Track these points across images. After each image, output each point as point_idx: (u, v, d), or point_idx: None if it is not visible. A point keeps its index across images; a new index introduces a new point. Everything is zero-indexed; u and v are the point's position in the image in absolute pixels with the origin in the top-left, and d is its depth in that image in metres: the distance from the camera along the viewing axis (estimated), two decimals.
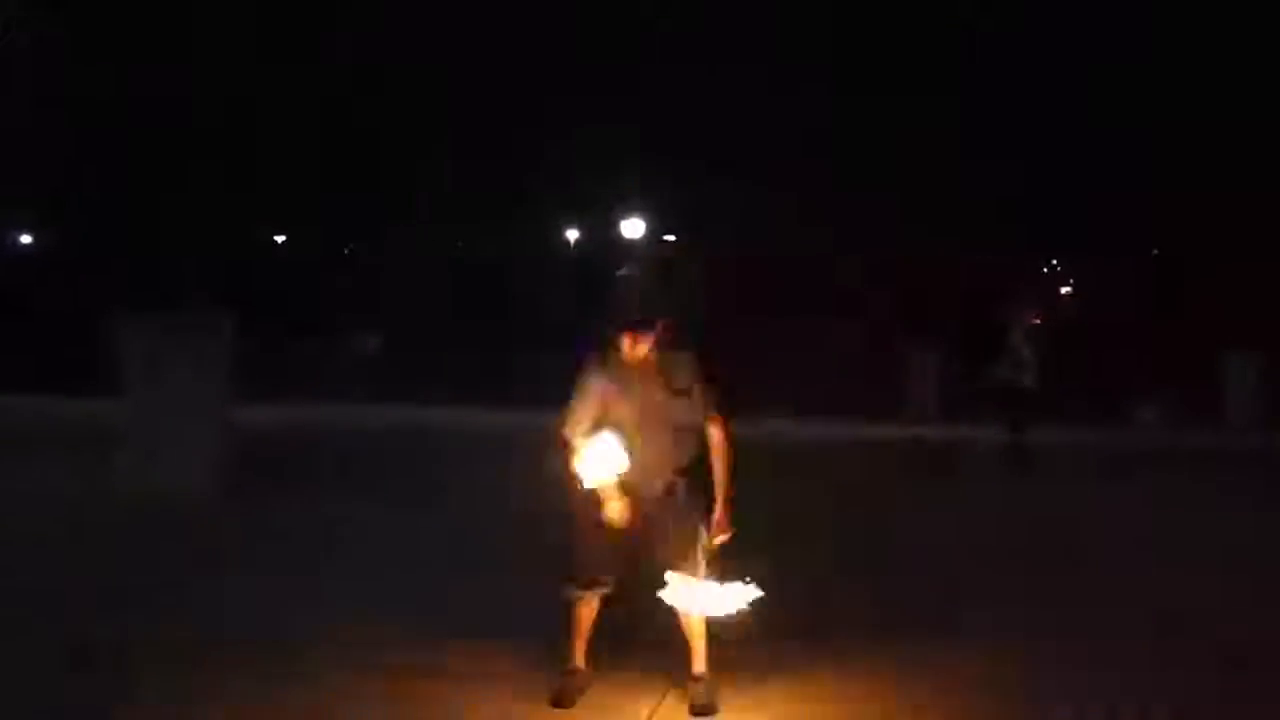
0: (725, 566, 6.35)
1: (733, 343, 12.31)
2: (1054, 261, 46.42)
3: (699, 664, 6.55)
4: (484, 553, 10.90)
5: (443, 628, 7.97)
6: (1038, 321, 19.73)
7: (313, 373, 34.77)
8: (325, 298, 42.08)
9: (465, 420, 25.97)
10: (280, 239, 47.46)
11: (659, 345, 6.52)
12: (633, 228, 43.12)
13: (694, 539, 6.41)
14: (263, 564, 10.24)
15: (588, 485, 6.41)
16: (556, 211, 45.94)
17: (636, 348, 6.48)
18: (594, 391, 6.55)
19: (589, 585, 6.54)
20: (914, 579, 10.11)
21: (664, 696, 6.61)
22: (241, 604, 8.67)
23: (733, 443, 6.55)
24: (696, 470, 6.53)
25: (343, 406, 28.42)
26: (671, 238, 44.70)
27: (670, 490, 6.49)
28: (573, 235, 48.43)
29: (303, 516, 12.69)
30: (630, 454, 6.38)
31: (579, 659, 6.66)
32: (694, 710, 6.42)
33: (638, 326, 6.49)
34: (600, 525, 6.42)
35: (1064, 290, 46.58)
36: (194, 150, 36.52)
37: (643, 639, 7.11)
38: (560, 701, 6.49)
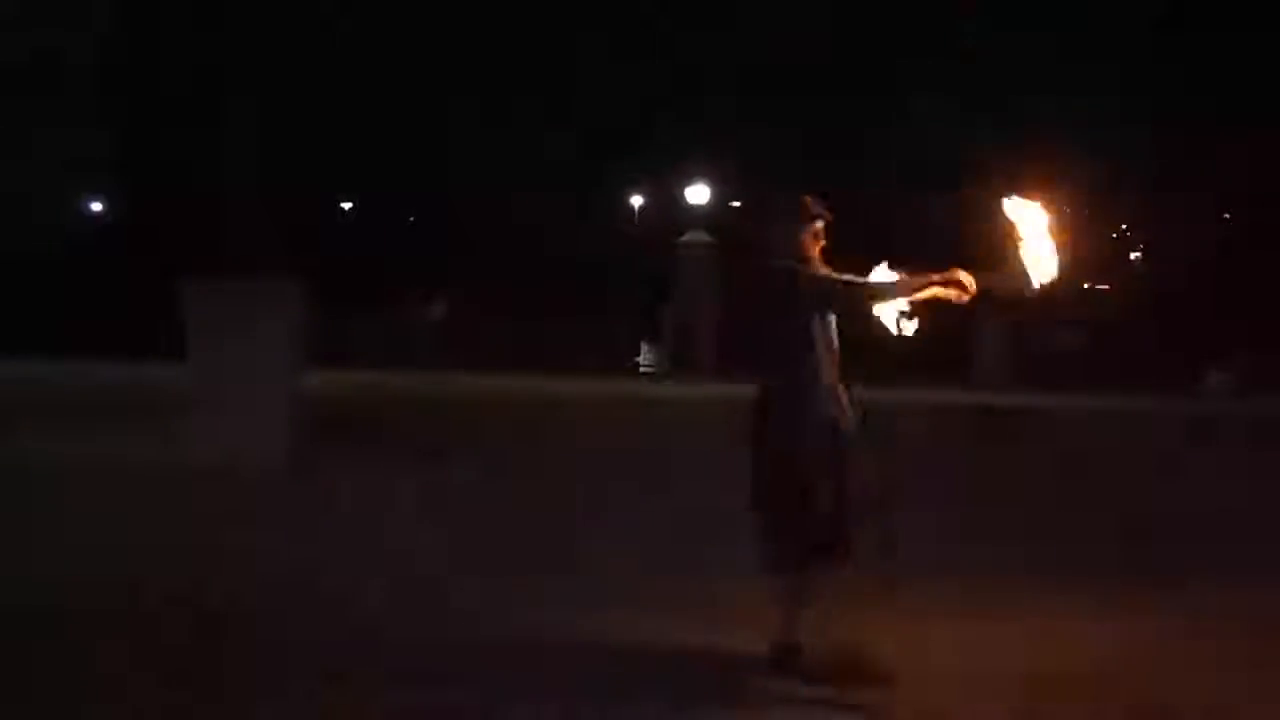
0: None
1: None
2: (1124, 227, 45.90)
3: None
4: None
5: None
6: (1106, 289, 19.60)
7: (379, 340, 35.00)
8: (391, 265, 42.31)
9: (529, 387, 26.07)
10: (347, 206, 47.75)
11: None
12: (698, 194, 43.01)
13: None
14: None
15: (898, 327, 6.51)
16: (622, 178, 45.96)
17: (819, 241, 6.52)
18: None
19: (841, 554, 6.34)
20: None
21: None
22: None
23: None
24: None
25: (409, 373, 28.55)
26: (737, 204, 44.58)
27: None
28: (637, 202, 48.42)
29: (374, 482, 12.80)
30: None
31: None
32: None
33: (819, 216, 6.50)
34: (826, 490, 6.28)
35: (1134, 256, 46.10)
36: (264, 117, 36.69)
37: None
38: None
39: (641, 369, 37.39)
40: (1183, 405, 24.80)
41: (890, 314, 6.64)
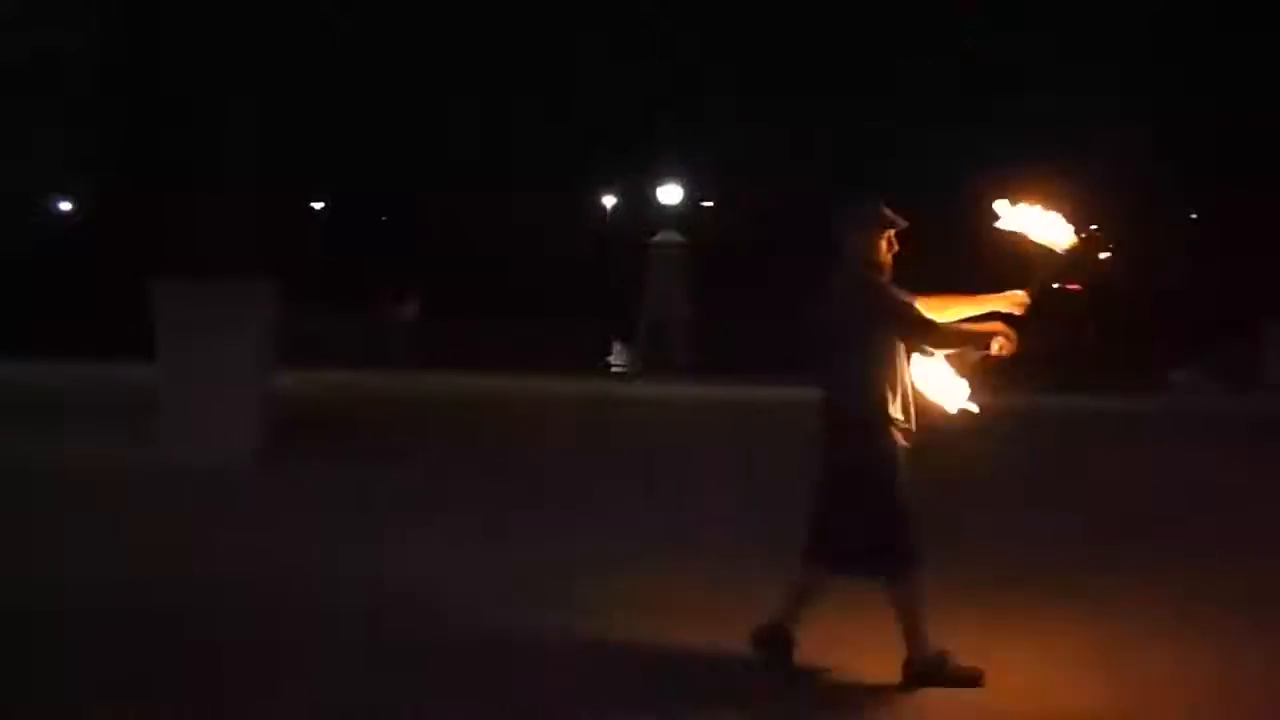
0: None
1: None
2: (1094, 226, 46.01)
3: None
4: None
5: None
6: (1076, 289, 19.68)
7: (352, 339, 34.90)
8: (365, 265, 42.23)
9: (499, 387, 26.05)
10: (319, 206, 47.62)
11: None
12: (670, 194, 43.01)
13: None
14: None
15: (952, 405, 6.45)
16: (594, 178, 45.96)
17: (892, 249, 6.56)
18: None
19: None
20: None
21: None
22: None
23: None
24: None
25: (380, 373, 28.49)
26: (709, 203, 44.65)
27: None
28: (609, 202, 48.42)
29: (342, 483, 12.79)
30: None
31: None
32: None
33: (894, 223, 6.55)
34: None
35: (1103, 256, 46.27)
36: (234, 117, 36.58)
37: None
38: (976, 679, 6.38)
39: (613, 369, 37.36)
40: (1150, 404, 24.91)
41: (948, 393, 6.55)
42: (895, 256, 6.55)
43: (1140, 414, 22.89)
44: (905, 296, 6.42)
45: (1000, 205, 6.64)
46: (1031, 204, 6.63)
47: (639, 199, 44.87)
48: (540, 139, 40.92)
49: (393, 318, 39.39)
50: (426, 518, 11.07)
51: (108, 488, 12.18)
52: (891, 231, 6.52)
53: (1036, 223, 6.59)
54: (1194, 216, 40.33)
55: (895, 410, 6.37)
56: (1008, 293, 6.56)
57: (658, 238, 38.49)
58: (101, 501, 11.50)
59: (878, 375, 6.35)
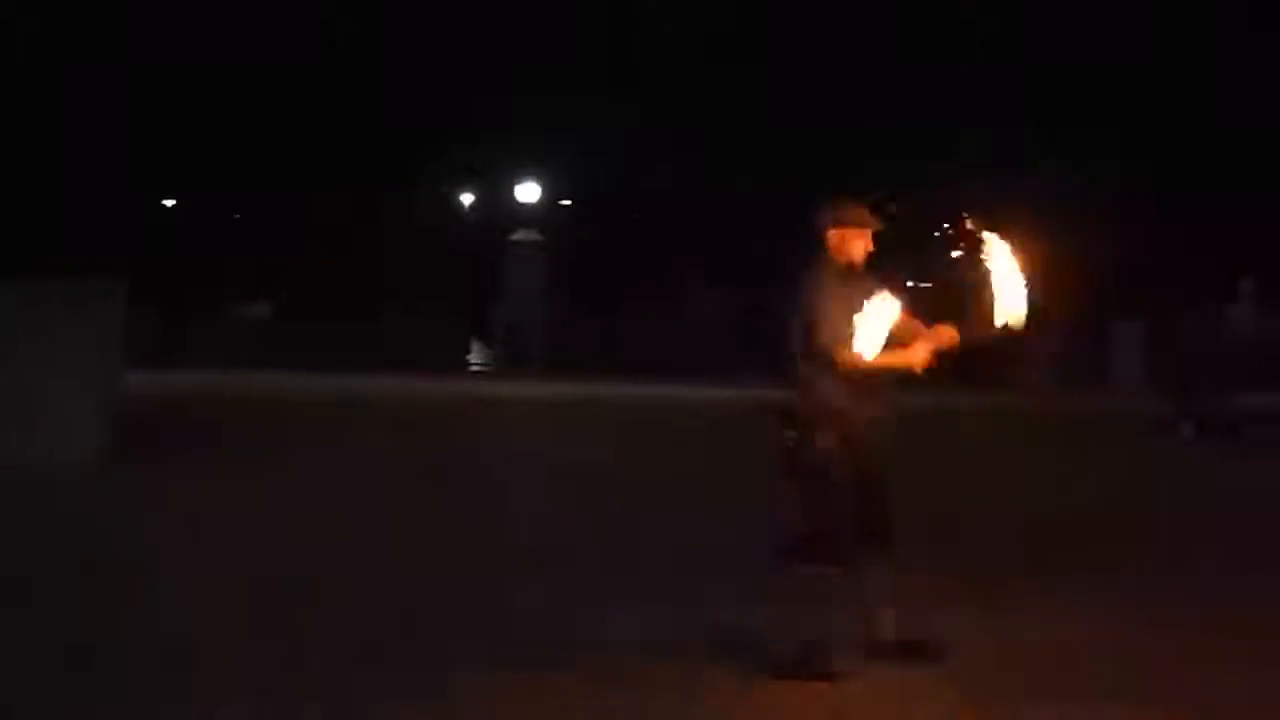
0: None
1: None
2: (946, 226, 46.78)
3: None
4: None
5: None
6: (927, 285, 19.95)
7: (206, 341, 34.44)
8: (217, 265, 41.65)
9: (347, 387, 25.86)
10: (170, 203, 46.71)
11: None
12: (528, 192, 43.00)
13: None
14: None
15: (869, 353, 6.33)
16: (451, 176, 45.74)
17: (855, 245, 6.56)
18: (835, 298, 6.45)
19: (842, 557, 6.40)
20: None
21: None
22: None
23: None
24: None
25: (232, 374, 28.10)
26: (567, 202, 44.70)
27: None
28: (467, 199, 48.22)
29: (194, 486, 12.62)
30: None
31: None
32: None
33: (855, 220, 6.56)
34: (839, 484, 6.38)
35: (955, 255, 47.03)
36: (82, 116, 35.94)
37: None
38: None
39: (472, 368, 37.24)
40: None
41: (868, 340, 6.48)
42: (869, 256, 6.60)
43: (977, 411, 23.15)
44: (833, 309, 6.39)
45: (990, 237, 6.55)
46: (1012, 254, 6.53)
47: (497, 197, 44.76)
48: (393, 135, 40.61)
49: (244, 318, 38.92)
50: (256, 518, 10.95)
51: None
52: (867, 232, 6.59)
53: (1008, 275, 6.51)
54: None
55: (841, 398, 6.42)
56: (939, 330, 6.56)
57: (516, 236, 38.50)
58: None
59: (813, 367, 6.43)
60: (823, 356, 6.39)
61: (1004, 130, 35.08)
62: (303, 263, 41.29)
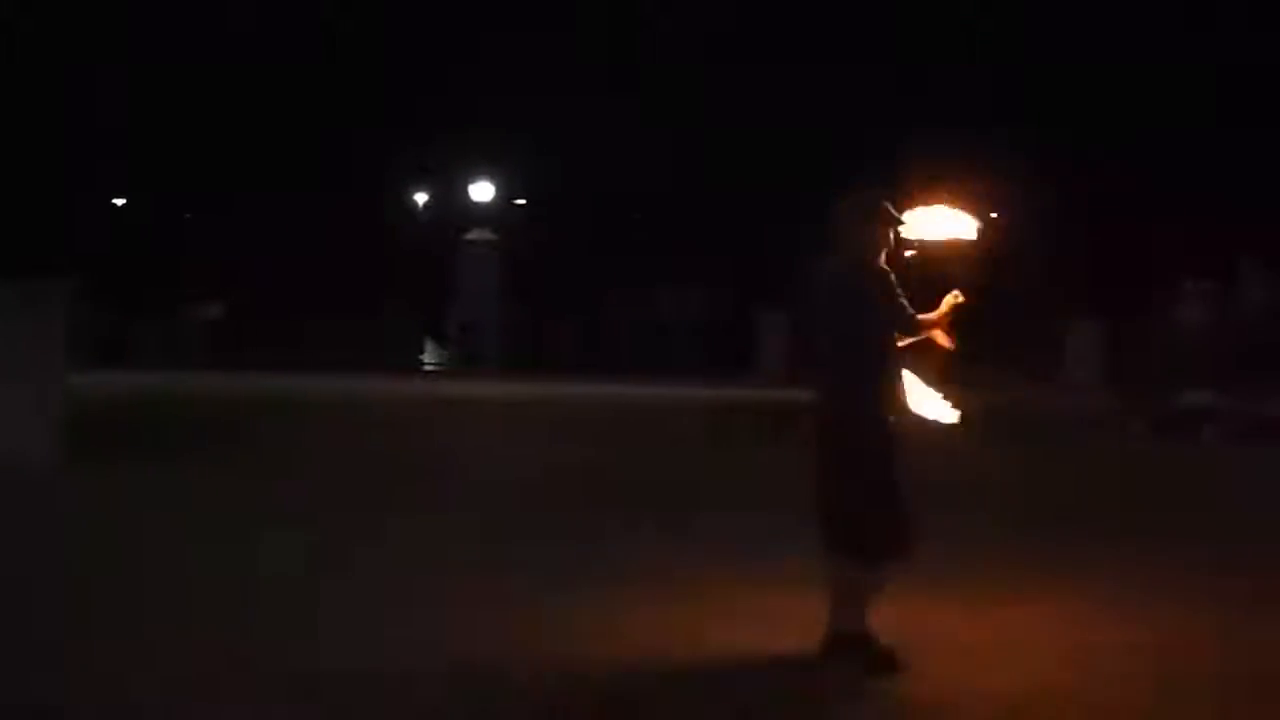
0: None
1: None
2: (993, 214, 46.78)
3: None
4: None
5: None
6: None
7: (157, 341, 34.18)
8: (170, 265, 41.33)
9: (304, 387, 25.67)
10: (119, 202, 46.29)
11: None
12: (482, 191, 42.87)
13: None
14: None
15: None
16: (405, 175, 45.54)
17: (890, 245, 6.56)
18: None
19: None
20: None
21: None
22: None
23: None
24: None
25: (183, 374, 27.85)
26: (521, 201, 44.60)
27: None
28: (421, 198, 48.01)
29: (144, 484, 12.47)
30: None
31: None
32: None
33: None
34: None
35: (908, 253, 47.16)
36: (32, 113, 35.62)
37: None
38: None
39: (426, 367, 37.09)
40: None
41: (932, 406, 6.64)
42: (890, 255, 6.54)
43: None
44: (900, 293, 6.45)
45: (906, 215, 6.59)
46: (928, 204, 6.64)
47: (451, 196, 44.61)
48: (348, 134, 40.38)
49: (196, 318, 38.64)
50: (202, 518, 10.79)
51: None
52: (893, 229, 6.52)
53: (939, 222, 6.63)
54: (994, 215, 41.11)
55: (899, 402, 6.43)
56: (945, 301, 6.57)
57: (470, 235, 38.37)
58: None
59: (886, 369, 6.39)
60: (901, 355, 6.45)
61: (1004, 130, 35.13)
62: (256, 263, 40.98)
